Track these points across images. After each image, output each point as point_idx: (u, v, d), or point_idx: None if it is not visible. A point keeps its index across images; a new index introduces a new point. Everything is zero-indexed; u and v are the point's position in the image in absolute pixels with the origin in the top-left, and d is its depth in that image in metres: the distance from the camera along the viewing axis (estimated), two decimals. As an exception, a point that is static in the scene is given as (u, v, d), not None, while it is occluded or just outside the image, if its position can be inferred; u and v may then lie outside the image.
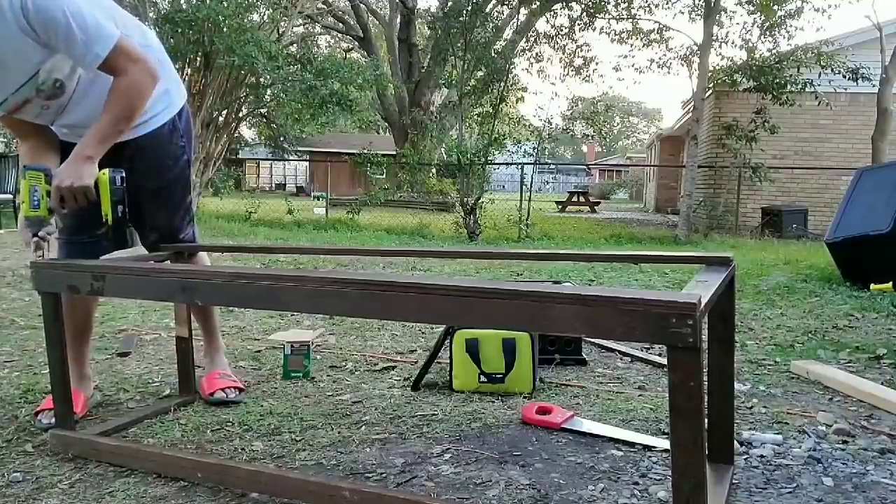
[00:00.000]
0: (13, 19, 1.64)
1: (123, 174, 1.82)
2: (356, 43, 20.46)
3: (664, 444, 1.87)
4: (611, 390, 2.42)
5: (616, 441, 1.92)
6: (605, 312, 1.12)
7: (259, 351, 2.92)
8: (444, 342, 2.46)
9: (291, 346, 2.54)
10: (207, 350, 2.43)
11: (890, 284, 4.50)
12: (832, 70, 10.21)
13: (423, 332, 3.32)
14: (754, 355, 2.93)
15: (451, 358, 2.40)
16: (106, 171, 1.80)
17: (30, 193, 1.78)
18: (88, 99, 1.86)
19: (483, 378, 2.35)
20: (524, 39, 14.57)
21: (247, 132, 25.96)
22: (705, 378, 1.53)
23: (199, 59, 10.40)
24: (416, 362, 2.74)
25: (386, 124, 20.99)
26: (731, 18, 11.42)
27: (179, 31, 9.60)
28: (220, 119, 11.24)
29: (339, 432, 1.98)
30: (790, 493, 1.61)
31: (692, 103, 10.61)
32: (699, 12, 10.97)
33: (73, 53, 1.72)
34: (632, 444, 1.89)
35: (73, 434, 1.82)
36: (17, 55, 1.70)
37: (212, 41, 9.57)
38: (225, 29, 9.56)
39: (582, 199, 20.07)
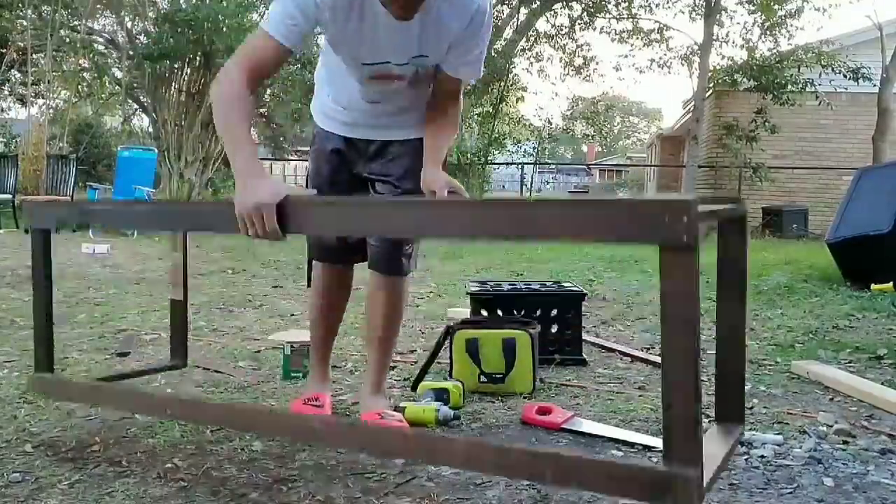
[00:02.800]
0: (473, 12, 1.73)
1: None
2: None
3: (664, 444, 1.87)
4: (611, 390, 2.42)
5: (616, 441, 1.91)
6: (594, 213, 1.07)
7: (259, 351, 2.91)
8: (444, 342, 2.45)
9: (291, 346, 2.53)
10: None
11: (890, 284, 4.50)
12: (833, 70, 10.22)
13: (422, 333, 3.32)
14: (755, 355, 2.93)
15: (451, 358, 2.40)
16: None
17: None
18: (401, 100, 1.93)
19: (483, 378, 2.35)
20: (524, 39, 14.56)
21: (247, 132, 25.93)
22: (714, 335, 1.48)
23: (199, 58, 10.41)
24: (416, 362, 2.74)
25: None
26: (731, 18, 11.44)
27: (179, 30, 9.61)
28: (221, 119, 11.24)
29: (339, 432, 1.98)
30: (790, 493, 1.61)
31: (692, 103, 10.62)
32: (699, 12, 10.98)
33: (468, 58, 1.83)
34: (632, 444, 1.89)
35: (52, 377, 1.83)
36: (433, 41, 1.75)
37: (212, 41, 9.58)
38: (225, 29, 9.58)
39: (582, 198, 20.03)
